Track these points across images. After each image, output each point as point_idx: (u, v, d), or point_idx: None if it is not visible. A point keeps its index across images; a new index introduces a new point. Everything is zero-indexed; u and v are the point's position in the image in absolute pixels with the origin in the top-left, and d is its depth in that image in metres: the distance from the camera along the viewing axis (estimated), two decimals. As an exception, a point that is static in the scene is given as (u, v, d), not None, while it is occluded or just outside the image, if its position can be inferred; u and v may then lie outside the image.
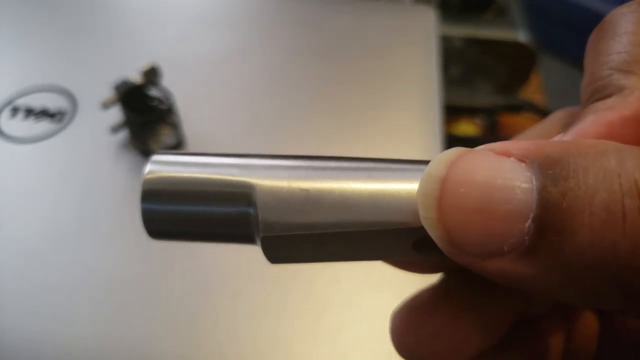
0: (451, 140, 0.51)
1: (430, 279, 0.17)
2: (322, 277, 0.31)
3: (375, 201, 0.13)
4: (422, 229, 0.12)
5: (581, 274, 0.11)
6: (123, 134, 0.38)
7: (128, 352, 0.28)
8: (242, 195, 0.13)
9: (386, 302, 0.30)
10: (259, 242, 0.13)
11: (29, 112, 0.41)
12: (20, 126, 0.40)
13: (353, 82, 0.43)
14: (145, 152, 0.37)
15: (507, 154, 0.11)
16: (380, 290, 0.31)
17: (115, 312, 0.30)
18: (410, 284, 0.19)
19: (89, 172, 0.37)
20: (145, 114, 0.36)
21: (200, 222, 0.13)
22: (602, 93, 0.14)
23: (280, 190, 0.13)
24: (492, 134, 0.59)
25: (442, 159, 0.12)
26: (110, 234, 0.33)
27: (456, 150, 0.12)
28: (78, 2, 0.51)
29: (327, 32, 0.48)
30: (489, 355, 0.17)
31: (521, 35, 0.56)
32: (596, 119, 0.14)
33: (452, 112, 0.58)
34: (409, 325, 0.16)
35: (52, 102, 0.41)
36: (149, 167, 0.13)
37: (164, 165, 0.13)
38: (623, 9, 0.14)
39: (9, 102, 0.42)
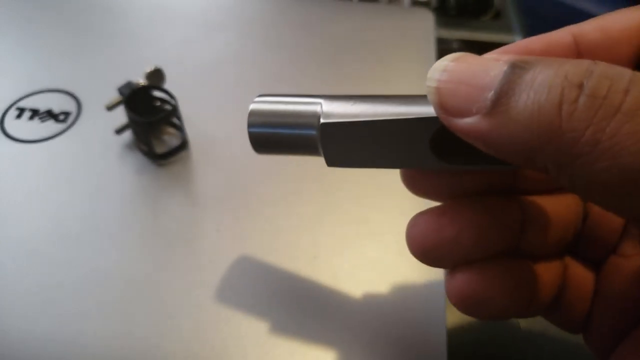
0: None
1: None
2: (323, 276, 0.32)
3: (401, 101, 0.19)
4: (435, 120, 0.17)
5: (522, 133, 0.14)
6: (127, 135, 0.39)
7: (131, 351, 0.29)
8: (311, 123, 0.20)
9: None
10: (321, 151, 0.21)
11: (34, 113, 0.41)
12: (26, 127, 0.40)
13: (351, 84, 0.44)
14: (149, 154, 0.38)
15: (497, 60, 0.16)
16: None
17: (118, 311, 0.30)
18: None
19: (94, 172, 0.38)
20: (149, 115, 0.37)
21: (285, 140, 0.21)
22: None
23: (336, 102, 0.20)
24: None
25: (446, 57, 0.17)
26: (114, 234, 0.34)
27: (456, 53, 0.17)
28: (83, 5, 0.51)
29: (325, 35, 0.48)
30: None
31: (519, 39, 0.57)
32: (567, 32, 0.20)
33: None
34: (432, 227, 0.20)
35: (57, 103, 0.42)
36: (252, 106, 0.22)
37: (261, 104, 0.22)
38: None
39: (14, 103, 0.42)
